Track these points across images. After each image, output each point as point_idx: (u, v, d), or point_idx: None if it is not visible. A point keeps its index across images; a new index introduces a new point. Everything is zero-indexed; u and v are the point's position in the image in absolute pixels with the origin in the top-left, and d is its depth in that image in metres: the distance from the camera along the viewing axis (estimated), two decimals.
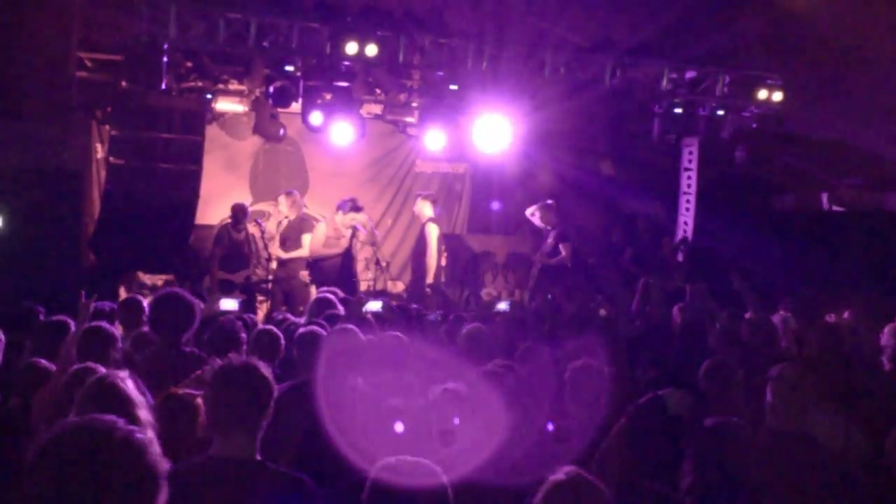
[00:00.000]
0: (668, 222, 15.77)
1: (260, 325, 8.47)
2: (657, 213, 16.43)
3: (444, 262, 15.14)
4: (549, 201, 15.11)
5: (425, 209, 14.73)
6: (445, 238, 16.79)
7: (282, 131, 14.09)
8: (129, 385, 4.50)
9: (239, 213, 13.75)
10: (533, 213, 14.96)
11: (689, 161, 14.84)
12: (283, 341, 7.34)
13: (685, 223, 14.91)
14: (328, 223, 14.64)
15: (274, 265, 13.71)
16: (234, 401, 4.23)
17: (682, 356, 7.67)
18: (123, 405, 4.25)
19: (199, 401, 4.89)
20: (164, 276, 13.02)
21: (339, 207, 14.33)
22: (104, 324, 6.81)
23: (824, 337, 7.72)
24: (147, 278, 13.00)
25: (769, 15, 13.21)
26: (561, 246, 14.51)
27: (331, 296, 9.84)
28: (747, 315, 8.99)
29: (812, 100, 14.12)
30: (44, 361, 6.54)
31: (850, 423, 6.01)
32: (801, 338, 8.59)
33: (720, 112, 14.22)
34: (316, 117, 12.24)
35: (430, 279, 14.61)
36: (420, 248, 14.72)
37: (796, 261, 14.69)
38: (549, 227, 14.69)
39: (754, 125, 14.30)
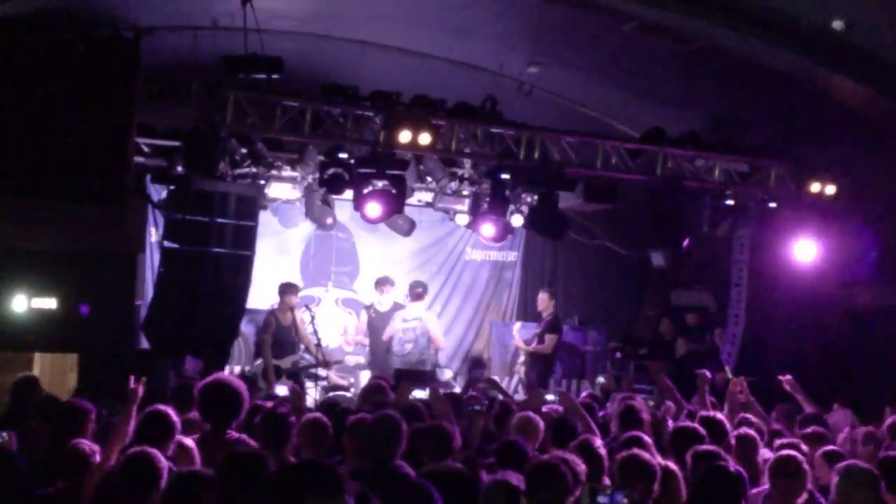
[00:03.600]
0: (719, 315, 15.63)
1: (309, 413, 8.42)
2: (708, 305, 16.30)
3: None
4: (547, 289, 15.44)
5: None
6: (496, 326, 16.83)
7: (330, 219, 14.19)
8: None
9: (280, 290, 13.94)
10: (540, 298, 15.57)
11: (741, 252, 14.73)
12: (331, 430, 7.32)
13: (736, 315, 14.74)
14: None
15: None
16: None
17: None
18: None
19: None
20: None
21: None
22: (167, 409, 6.83)
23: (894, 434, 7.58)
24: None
25: (823, 106, 13.17)
26: (547, 336, 15.18)
27: (382, 382, 9.83)
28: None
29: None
30: (86, 444, 6.55)
31: None
32: (870, 435, 8.41)
33: (772, 204, 14.13)
34: (373, 209, 12.30)
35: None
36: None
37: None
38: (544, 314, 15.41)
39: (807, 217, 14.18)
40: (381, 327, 14.81)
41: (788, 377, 10.52)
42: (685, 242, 14.13)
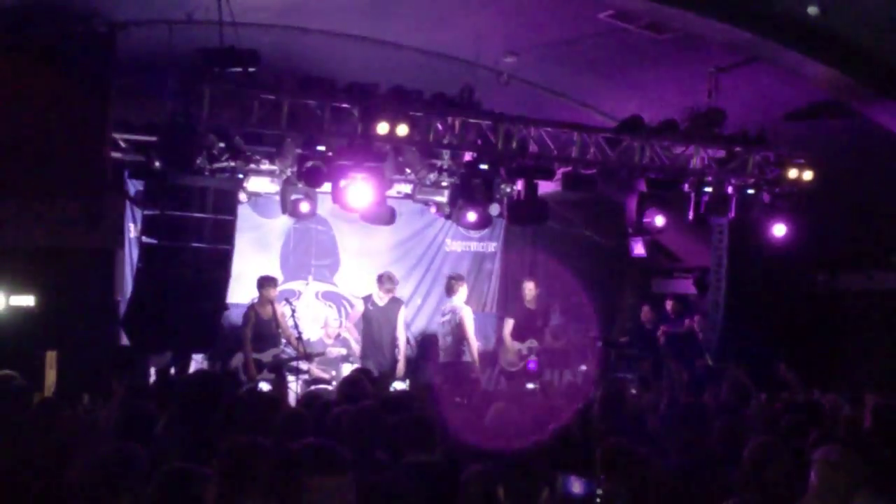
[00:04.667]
0: (699, 302, 15.69)
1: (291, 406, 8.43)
2: (687, 292, 16.37)
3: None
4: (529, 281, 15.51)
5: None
6: (477, 317, 16.83)
7: (308, 209, 14.16)
8: None
9: (258, 283, 13.96)
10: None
11: (720, 239, 14.77)
12: (309, 423, 7.34)
13: (715, 302, 14.79)
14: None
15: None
16: None
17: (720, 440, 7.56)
18: None
19: None
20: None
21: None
22: (147, 405, 6.83)
23: (876, 418, 7.58)
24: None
25: (800, 93, 13.23)
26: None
27: (360, 375, 9.82)
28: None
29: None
30: None
31: None
32: (853, 419, 8.43)
33: (750, 191, 14.19)
34: (359, 199, 12.29)
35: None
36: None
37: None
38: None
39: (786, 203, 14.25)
40: (378, 320, 14.80)
41: (783, 364, 10.59)
42: (665, 230, 14.17)
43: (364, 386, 9.05)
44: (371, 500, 4.87)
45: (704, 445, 6.63)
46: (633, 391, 12.03)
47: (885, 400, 8.04)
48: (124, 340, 12.53)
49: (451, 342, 14.91)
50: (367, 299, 15.04)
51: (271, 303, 14.07)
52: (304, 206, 13.73)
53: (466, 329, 14.84)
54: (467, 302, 15.40)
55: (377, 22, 13.62)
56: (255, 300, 14.14)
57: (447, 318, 15.05)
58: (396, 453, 6.72)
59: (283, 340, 14.24)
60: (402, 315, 15.07)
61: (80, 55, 11.74)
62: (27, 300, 11.87)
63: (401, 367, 14.77)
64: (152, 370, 12.65)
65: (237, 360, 13.81)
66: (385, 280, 14.91)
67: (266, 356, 13.87)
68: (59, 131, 11.59)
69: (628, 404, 8.71)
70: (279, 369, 13.63)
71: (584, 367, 15.27)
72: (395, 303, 15.00)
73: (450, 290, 15.15)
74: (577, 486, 5.01)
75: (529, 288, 15.80)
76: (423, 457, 6.63)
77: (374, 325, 14.79)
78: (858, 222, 14.43)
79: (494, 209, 13.96)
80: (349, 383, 9.26)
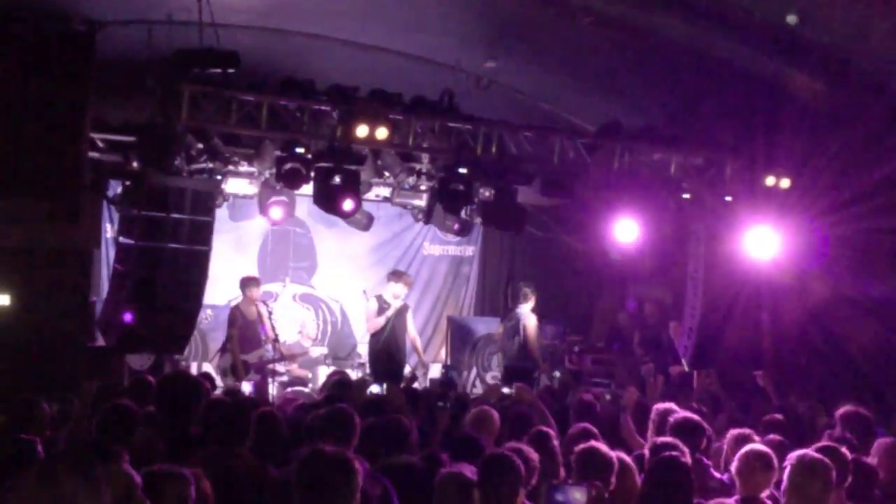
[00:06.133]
0: (676, 308, 15.72)
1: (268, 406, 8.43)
2: (665, 298, 16.40)
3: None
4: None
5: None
6: (453, 321, 16.85)
7: (280, 215, 14.13)
8: None
9: (241, 284, 14.02)
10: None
11: (697, 246, 14.80)
12: (283, 424, 7.37)
13: (692, 308, 14.82)
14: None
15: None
16: None
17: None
18: None
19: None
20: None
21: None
22: (127, 403, 6.81)
23: (846, 424, 7.63)
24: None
25: (778, 100, 13.28)
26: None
27: (340, 377, 9.84)
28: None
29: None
30: None
31: None
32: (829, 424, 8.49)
33: (728, 198, 14.23)
34: (346, 203, 12.28)
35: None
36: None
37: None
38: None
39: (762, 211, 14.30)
40: (394, 321, 14.71)
41: (760, 372, 10.61)
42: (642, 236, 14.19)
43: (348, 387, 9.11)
44: None
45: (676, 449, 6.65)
46: (608, 396, 12.08)
47: (855, 407, 8.09)
48: (100, 341, 12.50)
49: (513, 346, 15.02)
50: (380, 297, 14.89)
51: (254, 303, 14.03)
52: (276, 213, 13.67)
53: (530, 334, 14.95)
54: (445, 306, 15.43)
55: (358, 25, 13.63)
56: (239, 301, 14.11)
57: (512, 323, 15.14)
58: (373, 455, 6.73)
59: (263, 339, 14.23)
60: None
61: (59, 54, 11.70)
62: (3, 299, 11.78)
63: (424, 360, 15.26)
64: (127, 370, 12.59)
65: (225, 361, 13.76)
66: (396, 280, 14.93)
67: (252, 357, 13.82)
68: (36, 131, 11.54)
69: (601, 410, 8.76)
70: (263, 370, 13.60)
71: (557, 374, 15.26)
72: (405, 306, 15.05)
73: (523, 298, 15.23)
74: (559, 495, 5.03)
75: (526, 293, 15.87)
76: (399, 458, 6.65)
77: (388, 328, 14.71)
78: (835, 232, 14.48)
79: (474, 215, 13.97)
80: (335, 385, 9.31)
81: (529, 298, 15.17)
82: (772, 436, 7.66)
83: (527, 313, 15.12)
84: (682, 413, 8.09)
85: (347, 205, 12.41)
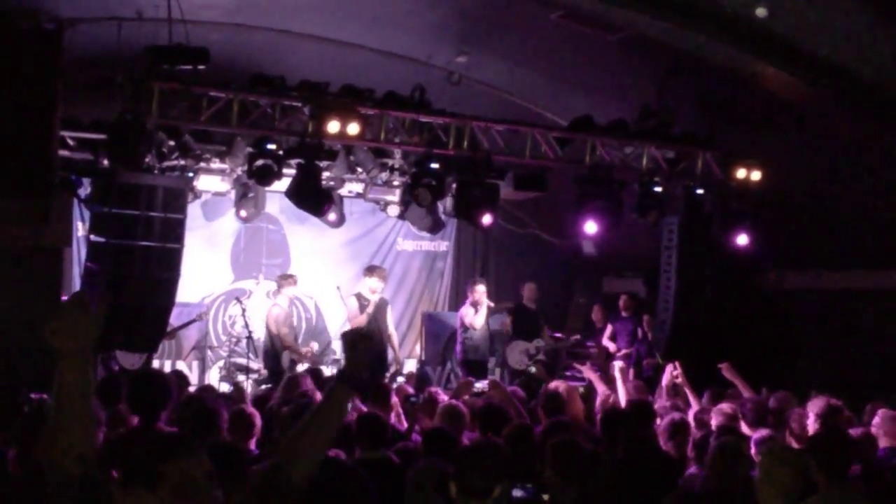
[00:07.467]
0: (649, 301, 15.77)
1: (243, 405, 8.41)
2: (638, 291, 16.45)
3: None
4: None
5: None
6: (427, 316, 16.85)
7: (247, 215, 14.15)
8: None
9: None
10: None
11: (670, 239, 14.85)
12: (258, 421, 7.36)
13: (666, 301, 14.86)
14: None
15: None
16: None
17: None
18: None
19: None
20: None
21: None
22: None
23: (825, 416, 7.65)
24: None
25: (749, 93, 13.35)
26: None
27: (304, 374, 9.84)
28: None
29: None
30: None
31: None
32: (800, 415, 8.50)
33: (700, 191, 14.28)
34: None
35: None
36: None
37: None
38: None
39: (734, 203, 14.38)
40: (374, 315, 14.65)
41: (726, 364, 10.62)
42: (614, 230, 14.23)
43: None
44: (322, 498, 4.84)
45: (649, 442, 6.69)
46: (582, 389, 12.09)
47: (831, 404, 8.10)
48: None
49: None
50: (359, 296, 14.84)
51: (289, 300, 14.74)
52: (243, 213, 13.80)
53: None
54: (419, 301, 15.43)
55: (328, 21, 13.59)
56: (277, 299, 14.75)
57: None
58: (349, 450, 6.73)
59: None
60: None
61: (26, 52, 11.60)
62: None
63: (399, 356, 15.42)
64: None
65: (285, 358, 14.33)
66: (375, 270, 15.00)
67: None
68: (5, 129, 11.44)
69: (572, 404, 8.78)
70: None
71: (533, 369, 15.29)
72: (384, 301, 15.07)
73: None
74: (517, 491, 5.05)
75: (530, 288, 15.88)
76: (375, 453, 6.65)
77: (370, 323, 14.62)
78: (807, 222, 14.56)
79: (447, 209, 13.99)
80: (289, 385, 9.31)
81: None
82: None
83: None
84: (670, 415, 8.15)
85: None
